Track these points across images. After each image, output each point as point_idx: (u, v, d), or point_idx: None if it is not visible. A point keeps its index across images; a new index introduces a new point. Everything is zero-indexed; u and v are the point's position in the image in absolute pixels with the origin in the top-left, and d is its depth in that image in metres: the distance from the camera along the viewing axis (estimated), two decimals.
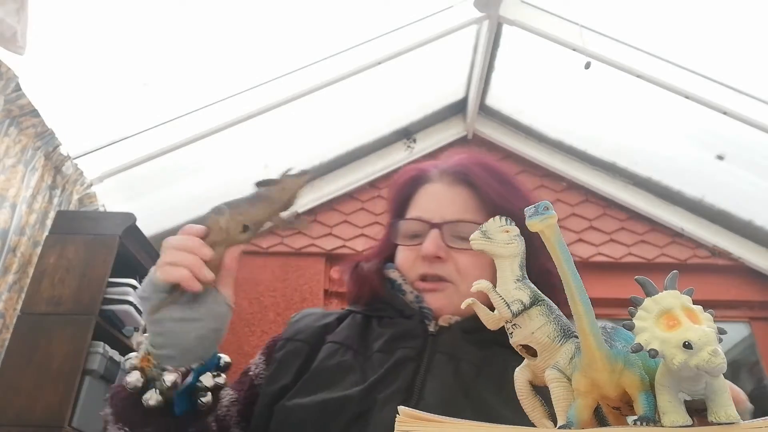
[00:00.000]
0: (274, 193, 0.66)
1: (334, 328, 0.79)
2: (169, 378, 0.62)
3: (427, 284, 0.77)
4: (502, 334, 0.68)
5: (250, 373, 0.79)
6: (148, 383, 0.63)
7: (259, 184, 0.67)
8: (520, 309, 0.45)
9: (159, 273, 0.63)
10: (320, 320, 0.81)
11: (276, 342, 0.81)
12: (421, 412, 0.41)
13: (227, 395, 0.76)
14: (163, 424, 0.64)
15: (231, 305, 0.68)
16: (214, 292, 0.66)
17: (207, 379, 0.65)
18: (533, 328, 0.45)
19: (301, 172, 0.68)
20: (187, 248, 0.64)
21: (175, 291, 0.64)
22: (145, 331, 0.67)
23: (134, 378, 0.63)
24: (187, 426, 0.66)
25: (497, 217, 0.48)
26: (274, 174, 0.68)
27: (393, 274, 0.80)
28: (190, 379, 0.63)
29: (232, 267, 0.67)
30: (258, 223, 0.67)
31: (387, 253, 0.84)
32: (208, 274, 0.64)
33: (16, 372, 1.73)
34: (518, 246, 0.47)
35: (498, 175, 0.82)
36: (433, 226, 0.76)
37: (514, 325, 0.46)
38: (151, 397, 0.62)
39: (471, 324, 0.73)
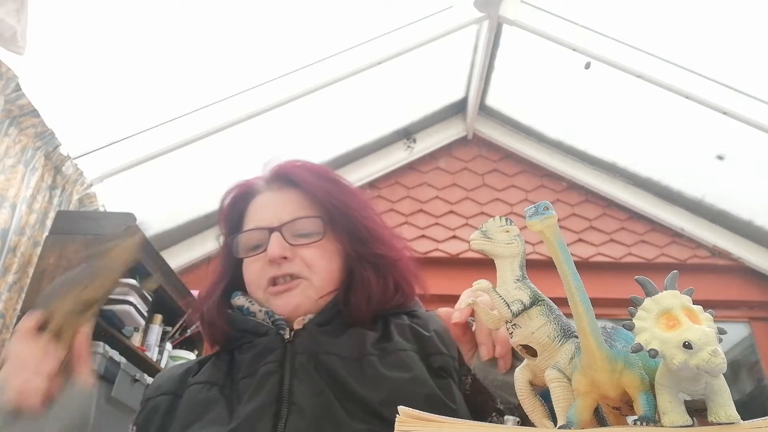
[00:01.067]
0: (112, 261, 0.65)
1: (197, 371, 0.77)
2: None
3: (280, 287, 0.76)
4: (352, 316, 0.73)
5: None
6: None
7: (91, 255, 0.65)
8: (520, 309, 0.45)
9: (5, 398, 0.60)
10: (180, 369, 0.80)
11: (138, 414, 0.78)
12: (420, 411, 0.41)
13: None
14: None
15: (90, 391, 0.66)
16: (69, 384, 0.63)
17: None
18: (533, 328, 0.45)
19: (127, 231, 0.67)
20: (30, 365, 0.61)
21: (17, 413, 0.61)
22: None
23: None
24: None
25: (497, 218, 0.47)
26: (105, 238, 0.66)
27: (239, 301, 0.80)
28: None
29: (84, 348, 0.65)
30: (104, 296, 0.65)
31: (227, 280, 0.83)
32: (56, 389, 0.61)
33: None
34: (518, 246, 0.47)
35: (318, 172, 0.84)
36: (272, 230, 0.77)
37: (514, 325, 0.46)
38: None
39: (323, 317, 0.74)
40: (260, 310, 0.78)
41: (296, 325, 0.75)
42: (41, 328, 0.63)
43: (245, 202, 0.84)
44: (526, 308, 0.45)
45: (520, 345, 0.46)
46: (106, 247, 0.65)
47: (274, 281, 0.77)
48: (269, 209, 0.81)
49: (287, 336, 0.74)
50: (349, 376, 0.66)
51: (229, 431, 0.64)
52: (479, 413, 0.68)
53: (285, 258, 0.76)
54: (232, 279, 0.83)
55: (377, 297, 0.76)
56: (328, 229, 0.79)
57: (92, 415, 0.66)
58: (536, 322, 0.45)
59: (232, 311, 0.80)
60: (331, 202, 0.79)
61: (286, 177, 0.83)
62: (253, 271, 0.79)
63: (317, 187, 0.81)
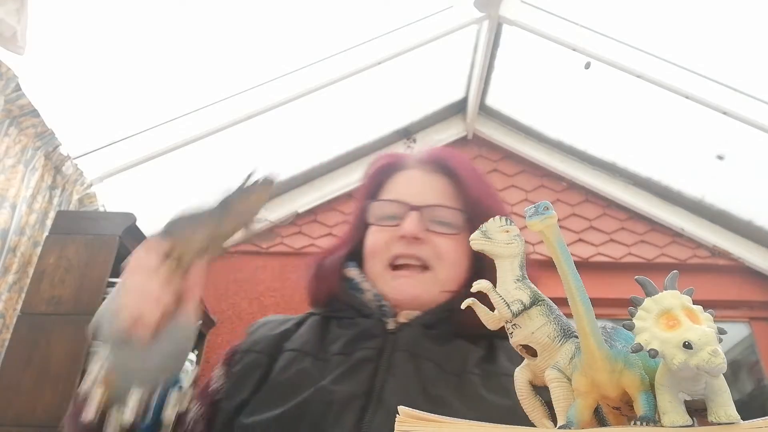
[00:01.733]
0: (244, 206, 0.64)
1: (293, 333, 0.77)
2: (132, 403, 0.60)
3: (400, 271, 0.75)
4: (461, 325, 0.69)
5: (210, 388, 0.77)
6: (109, 406, 0.61)
7: (226, 197, 0.64)
8: (520, 309, 0.45)
9: (121, 321, 0.60)
10: (277, 328, 0.79)
11: (234, 353, 0.78)
12: (420, 411, 0.41)
13: (193, 411, 0.74)
14: None
15: (195, 325, 0.66)
16: (177, 315, 0.63)
17: (171, 404, 0.63)
18: (533, 328, 0.45)
19: (266, 180, 0.65)
20: (149, 295, 0.61)
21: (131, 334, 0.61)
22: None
23: (92, 410, 0.61)
24: None
25: (497, 218, 0.48)
26: (239, 181, 0.64)
27: (352, 273, 0.79)
28: (154, 403, 0.62)
29: (199, 282, 0.65)
30: (227, 238, 0.64)
31: (351, 245, 0.82)
32: (166, 324, 0.62)
33: (16, 372, 1.73)
34: (518, 246, 0.47)
35: (474, 170, 0.83)
36: (413, 208, 0.76)
37: (514, 325, 0.46)
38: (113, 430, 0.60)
39: (431, 318, 0.72)
40: (370, 290, 0.76)
41: (401, 318, 0.73)
42: (161, 254, 0.63)
43: (389, 173, 0.83)
44: (526, 308, 0.45)
45: (520, 345, 0.46)
46: (243, 192, 0.64)
47: (395, 260, 0.75)
48: (414, 186, 0.79)
49: (390, 326, 0.72)
50: (446, 389, 0.64)
51: (319, 391, 0.64)
52: None
53: (417, 239, 0.74)
54: (354, 248, 0.81)
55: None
56: (465, 228, 0.76)
57: (190, 348, 0.66)
58: (536, 322, 0.45)
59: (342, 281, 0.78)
60: (477, 203, 0.77)
61: (441, 163, 0.81)
62: (379, 241, 0.77)
63: (469, 184, 0.79)
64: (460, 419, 0.42)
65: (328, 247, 0.84)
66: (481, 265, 0.74)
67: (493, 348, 0.72)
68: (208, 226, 0.63)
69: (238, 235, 0.65)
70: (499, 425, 0.41)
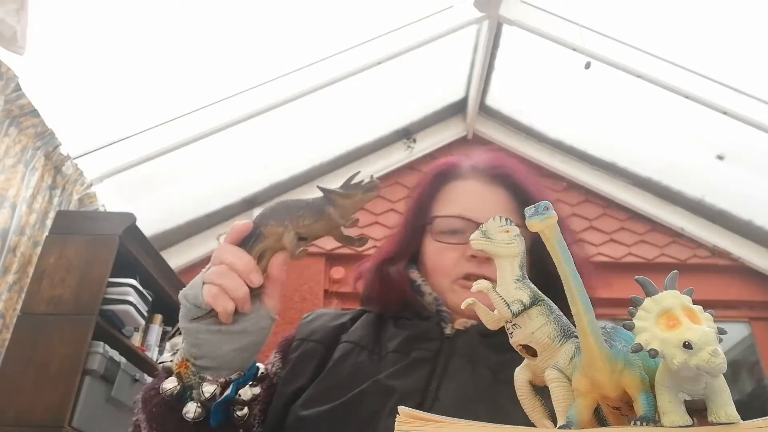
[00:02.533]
0: (342, 210, 0.62)
1: (349, 327, 0.78)
2: (208, 389, 0.60)
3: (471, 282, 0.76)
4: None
5: (268, 371, 0.77)
6: (185, 390, 0.61)
7: (327, 194, 0.62)
8: (520, 309, 0.45)
9: (206, 294, 0.60)
10: (334, 320, 0.80)
11: (290, 341, 0.79)
12: (420, 411, 0.41)
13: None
14: None
15: (274, 317, 0.65)
16: (258, 305, 0.63)
17: (246, 393, 0.63)
18: (533, 328, 0.45)
19: (371, 183, 0.62)
20: (239, 271, 0.61)
21: (213, 311, 0.61)
22: (180, 334, 0.64)
23: (171, 385, 0.61)
24: None
25: (497, 217, 0.47)
26: (340, 181, 0.62)
27: (413, 275, 0.79)
28: (229, 391, 0.62)
29: (280, 275, 0.64)
30: (317, 237, 0.63)
31: (410, 251, 0.82)
32: (249, 308, 0.61)
33: (16, 372, 1.73)
34: (518, 246, 0.47)
35: (532, 178, 0.82)
36: (480, 225, 0.76)
37: (514, 325, 0.46)
38: (191, 410, 0.60)
39: (487, 328, 0.73)
40: (430, 294, 0.76)
41: (458, 325, 0.74)
42: (247, 240, 0.62)
43: (444, 180, 0.82)
44: (526, 308, 0.45)
45: (520, 345, 0.46)
46: (344, 193, 0.62)
47: (468, 276, 0.74)
48: (479, 201, 0.78)
49: (448, 331, 0.73)
50: (502, 397, 0.64)
51: (376, 384, 0.64)
52: None
53: (488, 259, 0.74)
54: (409, 252, 0.81)
55: None
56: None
57: (266, 341, 0.66)
58: (536, 322, 0.45)
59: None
60: None
61: (502, 174, 0.80)
62: (447, 258, 0.76)
63: (525, 196, 0.77)
64: (460, 419, 0.42)
65: (385, 251, 0.83)
66: (544, 281, 0.76)
67: None
68: (298, 219, 0.62)
69: (329, 236, 0.64)
70: (500, 425, 0.41)
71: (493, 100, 3.14)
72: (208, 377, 0.61)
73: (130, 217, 2.05)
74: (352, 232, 0.65)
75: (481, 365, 0.68)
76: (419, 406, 0.63)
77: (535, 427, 0.46)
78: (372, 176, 0.63)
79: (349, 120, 2.91)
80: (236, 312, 0.61)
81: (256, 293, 0.62)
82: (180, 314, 0.63)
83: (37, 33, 1.67)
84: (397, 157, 3.17)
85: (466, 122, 3.21)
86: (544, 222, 0.40)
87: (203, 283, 0.61)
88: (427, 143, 3.22)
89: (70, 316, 1.83)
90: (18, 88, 1.82)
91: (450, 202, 0.80)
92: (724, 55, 2.27)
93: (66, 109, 2.05)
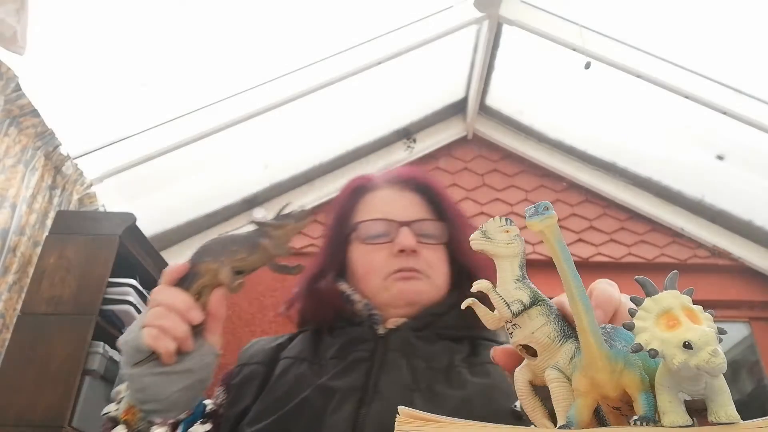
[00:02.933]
0: (275, 241, 0.64)
1: (287, 346, 0.81)
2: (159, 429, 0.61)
3: (404, 273, 0.79)
4: (445, 328, 0.76)
5: (218, 409, 0.78)
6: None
7: (260, 226, 0.64)
8: (520, 309, 0.45)
9: (146, 336, 0.61)
10: (272, 342, 0.83)
11: (231, 372, 0.82)
12: (420, 411, 0.41)
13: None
14: None
15: (218, 352, 0.67)
16: (200, 342, 0.64)
17: (196, 431, 0.65)
18: (533, 328, 0.45)
19: (302, 212, 0.65)
20: (178, 310, 0.62)
21: (154, 354, 0.61)
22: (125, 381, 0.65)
23: None
24: None
25: (497, 218, 0.48)
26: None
27: (342, 287, 0.83)
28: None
29: (220, 311, 0.65)
30: (253, 269, 0.64)
31: (337, 265, 0.86)
32: (190, 346, 0.62)
33: (16, 372, 1.73)
34: (518, 246, 0.47)
35: (441, 185, 0.91)
36: (403, 224, 0.81)
37: (514, 325, 0.46)
38: None
39: (418, 323, 0.77)
40: (360, 300, 0.81)
41: (389, 324, 0.78)
42: (184, 280, 0.63)
43: (360, 195, 0.88)
44: (526, 308, 0.45)
45: (520, 345, 0.46)
46: (277, 224, 0.64)
47: (395, 274, 0.79)
48: (395, 205, 0.85)
49: (380, 331, 0.77)
50: (436, 382, 0.69)
51: (318, 388, 0.67)
52: None
53: (414, 251, 0.79)
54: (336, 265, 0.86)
55: (475, 320, 0.78)
56: (445, 238, 0.83)
57: (211, 378, 0.67)
58: (536, 322, 0.45)
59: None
60: (450, 215, 0.85)
61: (413, 181, 0.88)
62: (376, 259, 0.81)
63: (442, 198, 0.87)
64: (460, 419, 0.41)
65: (311, 270, 0.87)
66: (460, 272, 0.82)
67: (474, 346, 0.77)
68: (231, 255, 0.63)
69: (266, 266, 0.65)
70: (500, 425, 0.41)
71: (493, 100, 3.14)
72: (157, 420, 0.62)
73: (130, 217, 2.06)
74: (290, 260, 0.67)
75: (415, 356, 0.72)
76: (361, 401, 0.66)
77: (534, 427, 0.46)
78: (302, 206, 0.68)
79: (349, 120, 2.91)
80: (179, 352, 0.62)
81: (197, 331, 0.63)
82: (121, 362, 0.63)
83: (37, 33, 1.67)
84: (397, 157, 3.17)
85: (466, 122, 3.22)
86: (544, 222, 0.40)
87: (142, 327, 0.61)
88: (427, 143, 3.22)
89: (70, 316, 1.83)
90: (18, 88, 1.82)
91: (370, 210, 0.85)
92: (724, 55, 2.27)
93: (66, 109, 2.05)
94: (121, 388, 0.64)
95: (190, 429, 0.65)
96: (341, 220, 0.88)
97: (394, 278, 0.79)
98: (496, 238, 0.47)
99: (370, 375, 0.70)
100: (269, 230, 0.64)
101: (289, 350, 0.80)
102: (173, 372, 0.61)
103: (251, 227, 0.65)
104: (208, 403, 0.68)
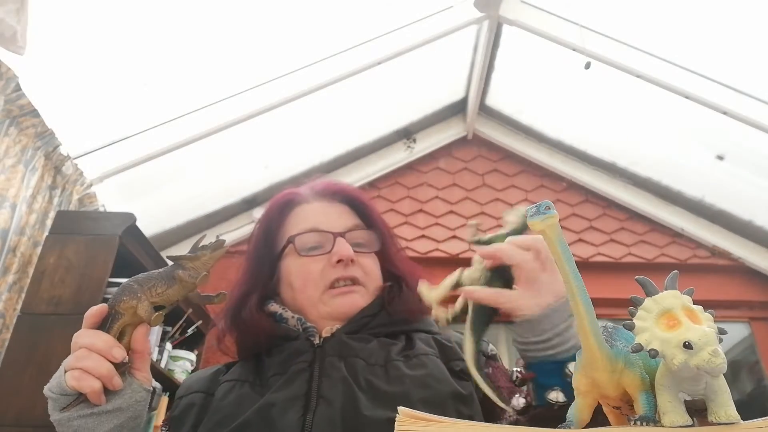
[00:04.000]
0: (192, 272, 0.64)
1: (226, 371, 0.81)
2: None
3: (340, 289, 0.80)
4: (378, 326, 0.78)
5: None
6: None
7: (176, 260, 0.65)
8: None
9: (69, 379, 0.61)
10: (210, 370, 0.83)
11: (170, 409, 0.81)
12: (419, 412, 0.41)
13: None
14: None
15: (149, 388, 0.67)
16: (129, 381, 0.65)
17: None
18: None
19: (216, 243, 0.65)
20: (99, 350, 0.62)
21: (81, 396, 0.61)
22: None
23: None
24: None
25: (524, 207, 0.56)
26: (188, 248, 0.65)
27: (273, 308, 0.83)
28: None
29: (144, 348, 0.66)
30: (173, 302, 0.65)
31: (261, 287, 0.85)
32: (118, 383, 0.62)
33: (16, 372, 1.73)
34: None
35: (363, 194, 0.93)
36: (336, 235, 0.82)
37: None
38: None
39: (351, 326, 0.78)
40: (293, 317, 0.81)
41: (324, 333, 0.78)
42: (105, 322, 0.65)
43: (288, 209, 0.88)
44: None
45: None
46: (192, 256, 0.65)
47: (333, 284, 0.80)
48: (327, 216, 0.85)
49: (317, 341, 0.77)
50: (374, 376, 0.70)
51: (259, 407, 0.67)
52: (489, 418, 0.71)
53: (352, 261, 0.81)
54: (261, 287, 0.85)
55: (412, 311, 0.81)
56: (376, 245, 0.86)
57: (144, 415, 0.67)
58: None
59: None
60: (374, 221, 0.88)
61: (339, 193, 0.89)
62: (313, 271, 0.81)
63: (368, 207, 0.89)
64: (460, 420, 0.41)
65: (233, 298, 0.85)
66: (390, 278, 0.85)
67: (410, 339, 0.78)
68: (154, 291, 0.64)
69: (187, 297, 0.67)
70: (500, 426, 0.41)
71: (493, 100, 3.14)
72: None
73: (130, 217, 2.05)
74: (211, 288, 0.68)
75: (352, 357, 0.73)
76: (306, 408, 0.67)
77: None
78: (218, 236, 0.67)
79: (349, 120, 2.91)
80: (107, 392, 0.62)
81: (123, 370, 0.64)
82: (49, 410, 0.63)
83: (37, 33, 1.67)
84: (397, 157, 3.17)
85: (466, 122, 3.22)
86: (545, 222, 0.40)
87: (65, 372, 0.62)
88: (427, 143, 3.22)
89: (70, 316, 1.83)
90: (18, 88, 1.82)
91: (301, 222, 0.85)
92: (724, 55, 2.27)
93: (66, 109, 2.05)
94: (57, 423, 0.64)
95: None
96: (268, 236, 0.87)
97: (332, 294, 0.80)
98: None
99: (311, 382, 0.70)
100: (185, 263, 0.65)
101: (229, 374, 0.79)
102: (102, 412, 0.62)
103: (169, 262, 0.66)
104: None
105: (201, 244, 0.65)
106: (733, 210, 2.87)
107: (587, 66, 2.40)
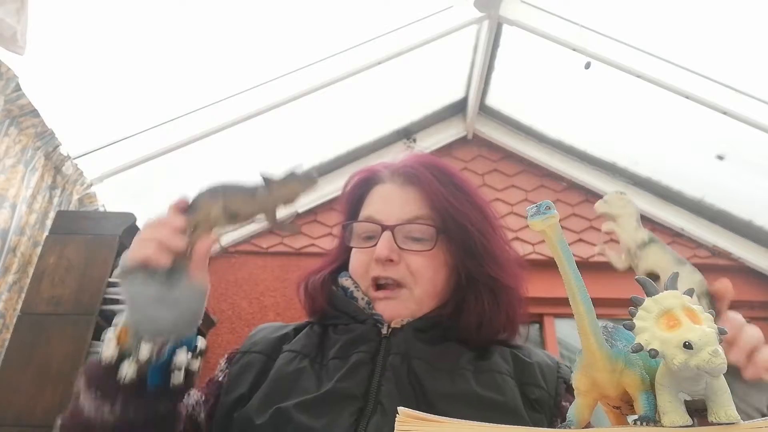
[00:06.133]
0: (275, 193, 0.65)
1: (292, 338, 0.79)
2: (145, 349, 0.62)
3: (380, 293, 0.76)
4: (451, 329, 0.73)
5: (219, 379, 0.79)
6: (124, 356, 0.63)
7: (266, 179, 0.65)
8: (644, 239, 0.72)
9: (129, 252, 0.64)
10: (277, 332, 0.81)
11: (235, 354, 0.80)
12: (419, 412, 0.41)
13: (195, 395, 0.76)
14: (133, 397, 0.63)
15: (207, 285, 0.67)
16: (185, 278, 0.65)
17: (182, 356, 0.64)
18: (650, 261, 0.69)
19: (308, 174, 0.65)
20: (167, 226, 0.64)
21: (146, 270, 0.63)
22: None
23: (110, 350, 0.63)
24: (157, 403, 0.65)
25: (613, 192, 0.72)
26: (282, 170, 0.65)
27: (345, 282, 0.80)
28: (165, 354, 0.63)
29: (204, 252, 0.66)
30: (248, 217, 0.65)
31: (341, 260, 0.84)
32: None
33: (16, 372, 1.73)
34: (632, 205, 0.75)
35: (445, 175, 0.82)
36: (385, 228, 0.76)
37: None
38: (126, 372, 0.62)
39: (422, 323, 0.74)
40: (362, 298, 0.78)
41: (394, 324, 0.75)
42: (185, 212, 0.67)
43: (367, 187, 0.84)
44: (646, 243, 0.69)
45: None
46: (281, 180, 0.65)
47: (376, 281, 0.76)
48: (389, 204, 0.79)
49: (384, 331, 0.74)
50: (438, 388, 0.66)
51: (316, 405, 0.65)
52: None
53: (391, 260, 0.75)
54: (344, 263, 0.84)
55: (488, 323, 0.74)
56: (441, 239, 0.76)
57: (202, 310, 0.68)
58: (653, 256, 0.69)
59: (336, 289, 0.81)
60: (449, 211, 0.76)
61: (411, 173, 0.80)
62: (359, 263, 0.79)
63: (438, 192, 0.78)
64: (460, 420, 0.42)
65: (317, 264, 0.86)
66: (464, 275, 0.76)
67: (487, 350, 0.73)
68: (233, 197, 0.65)
69: (262, 221, 0.66)
70: (500, 425, 0.41)
71: (493, 100, 3.14)
72: (145, 341, 0.62)
73: (130, 217, 2.05)
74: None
75: (417, 359, 0.69)
76: (362, 411, 0.65)
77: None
78: (311, 168, 0.66)
79: (349, 120, 2.91)
80: (171, 275, 0.63)
81: (181, 267, 0.65)
82: (120, 291, 0.65)
83: (37, 33, 1.67)
84: (397, 157, 3.16)
85: (466, 122, 3.22)
86: (546, 221, 0.40)
87: (138, 240, 0.65)
88: (427, 143, 3.22)
89: (70, 316, 1.83)
90: (18, 88, 1.82)
91: (367, 207, 0.82)
92: (724, 55, 2.27)
93: (66, 109, 2.05)
94: (121, 315, 0.66)
95: (177, 358, 0.64)
96: (347, 216, 0.85)
97: (376, 295, 0.76)
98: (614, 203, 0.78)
99: (371, 381, 0.68)
100: (272, 185, 0.65)
101: (293, 343, 0.77)
102: (166, 298, 0.63)
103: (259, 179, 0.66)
104: (201, 342, 0.68)
105: (293, 172, 0.65)
106: (733, 210, 2.87)
107: (587, 66, 2.40)
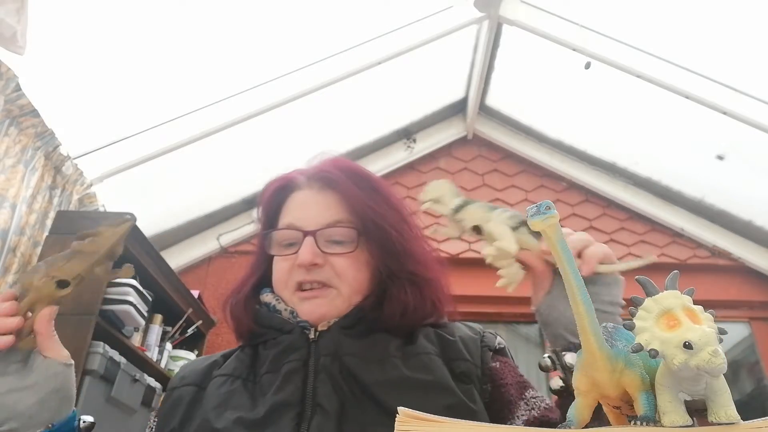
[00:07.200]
0: (91, 245, 0.65)
1: (221, 364, 0.78)
2: None
3: (307, 293, 0.76)
4: (376, 321, 0.74)
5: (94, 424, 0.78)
6: None
7: (78, 237, 0.65)
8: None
9: None
10: (204, 362, 0.80)
11: (163, 399, 0.79)
12: (419, 412, 0.41)
13: None
14: None
15: (67, 363, 0.66)
16: (39, 357, 0.64)
17: None
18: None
19: (121, 219, 0.66)
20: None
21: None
22: None
23: None
24: None
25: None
26: (99, 224, 0.66)
27: (266, 298, 0.80)
28: None
29: (46, 330, 0.65)
30: (77, 277, 0.65)
31: (261, 270, 0.83)
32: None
33: None
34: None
35: (360, 178, 0.82)
36: (306, 234, 0.76)
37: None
38: None
39: (347, 320, 0.75)
40: (286, 309, 0.78)
41: (321, 327, 0.75)
42: (17, 300, 0.64)
43: (284, 194, 0.83)
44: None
45: None
46: (92, 233, 0.65)
47: (301, 286, 0.76)
48: (308, 210, 0.79)
49: (312, 336, 0.74)
50: (371, 379, 0.67)
51: (253, 419, 0.65)
52: (497, 421, 0.68)
53: (315, 264, 0.75)
54: (264, 274, 0.82)
55: (413, 312, 0.76)
56: (361, 240, 0.77)
57: (74, 388, 0.66)
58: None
59: (260, 307, 0.80)
60: (367, 213, 0.78)
61: (328, 178, 0.80)
62: (282, 270, 0.78)
63: (356, 196, 0.79)
64: (460, 420, 0.42)
65: (235, 284, 0.84)
66: (385, 273, 0.78)
67: (412, 335, 0.75)
68: (56, 265, 0.64)
69: (93, 272, 0.66)
70: (500, 425, 0.41)
71: (493, 100, 3.14)
72: None
73: (130, 217, 2.05)
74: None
75: (347, 355, 0.70)
76: (301, 416, 0.65)
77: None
78: (128, 214, 0.68)
79: (349, 120, 2.91)
80: (22, 373, 0.62)
81: (26, 346, 0.64)
82: None
83: (37, 33, 1.67)
84: (397, 157, 3.17)
85: (466, 122, 3.22)
86: (545, 222, 0.40)
87: None
88: (427, 143, 3.22)
89: (70, 316, 1.82)
90: (18, 88, 1.82)
91: (285, 215, 0.81)
92: (724, 55, 2.27)
93: (66, 109, 2.05)
94: None
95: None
96: (266, 225, 0.84)
97: (299, 297, 0.76)
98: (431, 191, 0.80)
99: (306, 386, 0.68)
100: (86, 239, 0.66)
101: (223, 368, 0.76)
102: (20, 387, 0.62)
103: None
104: (88, 419, 0.67)
105: (102, 224, 0.66)
106: (733, 210, 2.87)
107: (587, 66, 2.40)
